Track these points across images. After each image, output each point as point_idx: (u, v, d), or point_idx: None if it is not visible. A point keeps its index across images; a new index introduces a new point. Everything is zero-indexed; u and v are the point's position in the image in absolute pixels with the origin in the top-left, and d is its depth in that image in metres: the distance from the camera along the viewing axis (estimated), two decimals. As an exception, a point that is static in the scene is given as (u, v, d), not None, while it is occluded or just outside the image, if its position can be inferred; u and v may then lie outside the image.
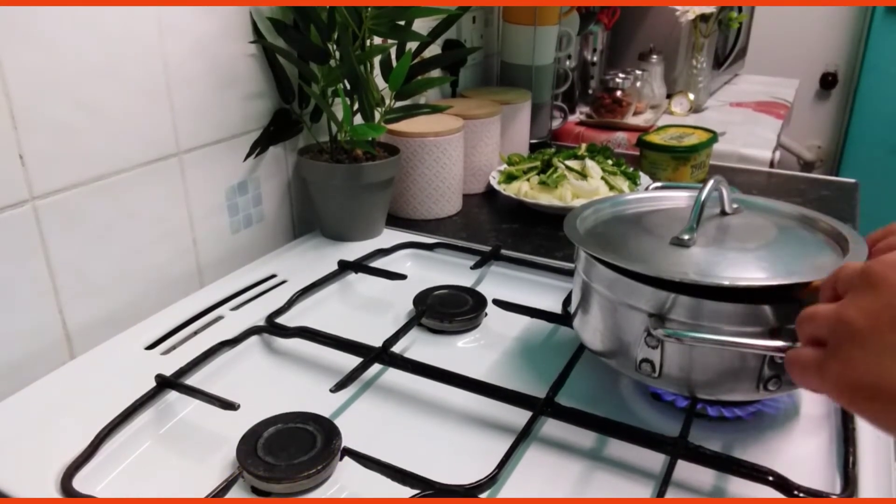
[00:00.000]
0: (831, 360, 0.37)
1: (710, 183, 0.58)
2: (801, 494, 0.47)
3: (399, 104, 0.83)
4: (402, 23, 0.78)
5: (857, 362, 0.36)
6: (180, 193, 0.73)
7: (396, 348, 0.64)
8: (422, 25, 0.99)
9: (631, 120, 1.44)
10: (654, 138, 1.13)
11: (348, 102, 0.79)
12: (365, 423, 0.57)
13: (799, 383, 0.41)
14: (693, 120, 1.50)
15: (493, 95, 1.14)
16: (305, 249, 0.85)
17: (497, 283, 0.79)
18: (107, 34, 0.62)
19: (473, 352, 0.68)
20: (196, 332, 0.67)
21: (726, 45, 1.76)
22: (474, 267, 0.78)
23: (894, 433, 0.37)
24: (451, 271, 0.81)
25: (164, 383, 0.57)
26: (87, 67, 0.61)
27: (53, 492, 0.47)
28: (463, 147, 0.98)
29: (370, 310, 0.75)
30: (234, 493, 0.48)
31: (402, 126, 0.90)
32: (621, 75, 1.44)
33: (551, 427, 0.55)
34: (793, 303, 0.49)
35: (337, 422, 0.53)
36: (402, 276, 0.75)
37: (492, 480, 0.48)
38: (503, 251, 0.81)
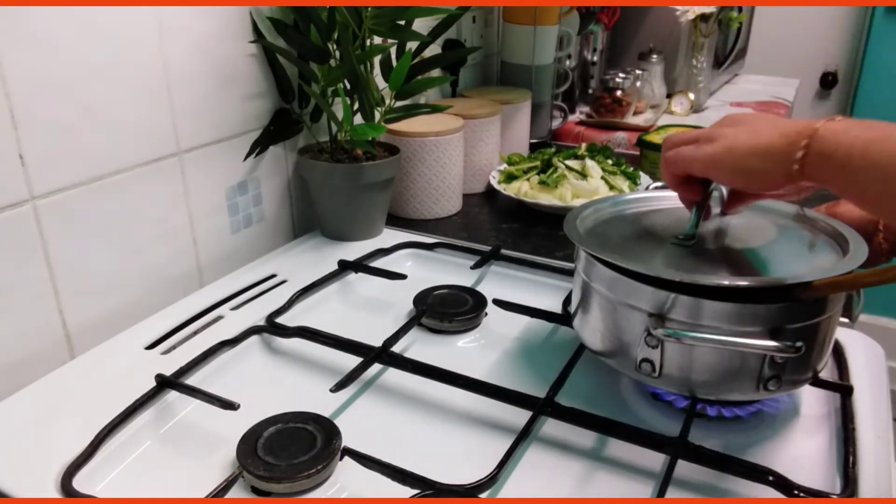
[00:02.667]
0: (703, 145, 0.53)
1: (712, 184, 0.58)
2: (801, 494, 0.47)
3: (399, 104, 0.83)
4: (402, 22, 0.78)
5: (718, 142, 0.52)
6: (180, 193, 0.73)
7: (396, 348, 0.64)
8: (422, 25, 0.99)
9: (631, 120, 1.44)
10: (655, 138, 1.13)
11: (348, 102, 0.79)
12: (365, 423, 0.57)
13: (679, 166, 0.55)
14: (693, 120, 1.50)
15: (493, 95, 1.14)
16: (305, 249, 0.85)
17: (497, 283, 0.79)
18: (107, 34, 0.62)
19: (473, 352, 0.68)
20: (196, 332, 0.67)
21: (726, 45, 1.76)
22: (474, 267, 0.78)
23: (748, 179, 0.50)
24: (451, 271, 0.81)
25: (164, 383, 0.57)
26: (87, 67, 0.61)
27: (53, 492, 0.47)
28: (463, 147, 0.98)
29: (370, 310, 0.75)
30: (234, 492, 0.48)
31: (402, 126, 0.90)
32: (621, 75, 1.44)
33: (551, 427, 0.55)
34: (793, 303, 0.50)
35: (337, 422, 0.53)
36: (402, 276, 0.75)
37: (492, 480, 0.48)
38: (503, 251, 0.81)
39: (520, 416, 0.54)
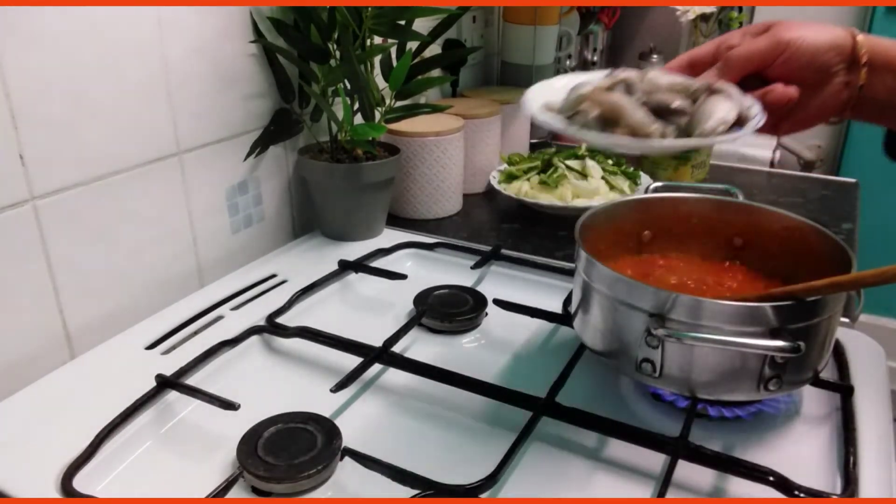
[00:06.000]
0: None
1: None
2: (802, 494, 0.47)
3: (399, 104, 0.83)
4: (403, 22, 0.78)
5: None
6: (180, 193, 0.73)
7: (397, 348, 0.64)
8: (422, 25, 0.99)
9: (631, 120, 1.44)
10: (655, 138, 1.13)
11: (348, 102, 0.79)
12: (365, 423, 0.57)
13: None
14: (693, 120, 1.49)
15: (493, 95, 1.14)
16: (305, 249, 0.85)
17: (497, 283, 0.79)
18: (107, 34, 0.62)
19: (474, 352, 0.68)
20: (196, 332, 0.66)
21: (726, 45, 1.76)
22: (475, 267, 0.78)
23: None
24: (452, 271, 0.81)
25: (165, 383, 0.57)
26: (87, 67, 0.61)
27: (53, 492, 0.47)
28: (463, 147, 0.98)
29: (370, 310, 0.75)
30: (235, 493, 0.48)
31: (403, 126, 0.90)
32: (621, 75, 1.44)
33: (551, 427, 0.55)
34: (793, 303, 0.49)
35: (337, 422, 0.53)
36: (403, 276, 0.75)
37: (492, 480, 0.48)
38: (503, 251, 0.81)
39: (520, 416, 0.54)
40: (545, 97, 0.52)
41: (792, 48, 0.48)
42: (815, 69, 0.48)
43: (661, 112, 0.47)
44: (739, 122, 0.47)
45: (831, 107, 0.49)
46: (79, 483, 0.48)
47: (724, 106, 0.47)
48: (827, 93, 0.49)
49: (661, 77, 0.50)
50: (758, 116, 0.47)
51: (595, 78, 0.53)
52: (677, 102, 0.47)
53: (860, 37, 0.48)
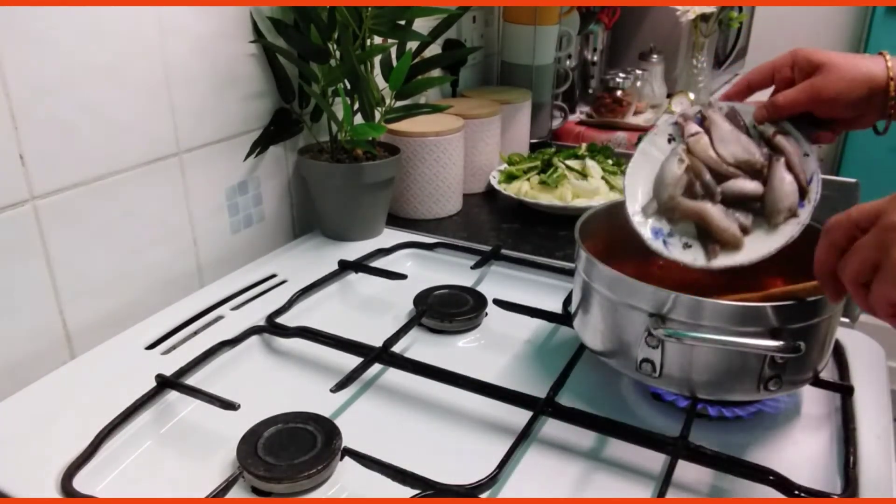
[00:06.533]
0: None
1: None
2: (802, 494, 0.47)
3: (399, 104, 0.83)
4: (403, 22, 0.78)
5: None
6: (180, 193, 0.73)
7: (397, 348, 0.64)
8: (422, 25, 0.99)
9: (631, 120, 1.44)
10: (655, 138, 1.13)
11: (348, 102, 0.79)
12: (365, 423, 0.57)
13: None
14: (693, 119, 1.49)
15: (493, 95, 1.14)
16: (305, 249, 0.85)
17: (497, 283, 0.79)
18: (107, 34, 0.62)
19: (473, 352, 0.68)
20: (196, 332, 0.67)
21: (726, 45, 1.76)
22: (474, 267, 0.78)
23: None
24: (452, 271, 0.81)
25: (165, 383, 0.57)
26: (87, 67, 0.61)
27: (53, 492, 0.47)
28: (463, 147, 0.98)
29: (370, 310, 0.75)
30: (235, 493, 0.48)
31: (403, 126, 0.90)
32: (622, 75, 1.44)
33: (551, 427, 0.55)
34: (793, 303, 0.50)
35: (337, 422, 0.53)
36: (403, 276, 0.75)
37: (492, 480, 0.48)
38: (503, 251, 0.81)
39: (520, 416, 0.54)
40: (641, 198, 0.59)
41: (830, 103, 0.56)
42: (853, 111, 0.57)
43: (738, 201, 0.56)
44: (801, 187, 0.56)
45: (872, 122, 0.60)
46: (79, 483, 0.48)
47: (788, 185, 0.55)
48: (867, 119, 0.59)
49: (727, 148, 0.57)
50: (815, 188, 0.57)
51: (664, 139, 0.60)
52: (749, 188, 0.55)
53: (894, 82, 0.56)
